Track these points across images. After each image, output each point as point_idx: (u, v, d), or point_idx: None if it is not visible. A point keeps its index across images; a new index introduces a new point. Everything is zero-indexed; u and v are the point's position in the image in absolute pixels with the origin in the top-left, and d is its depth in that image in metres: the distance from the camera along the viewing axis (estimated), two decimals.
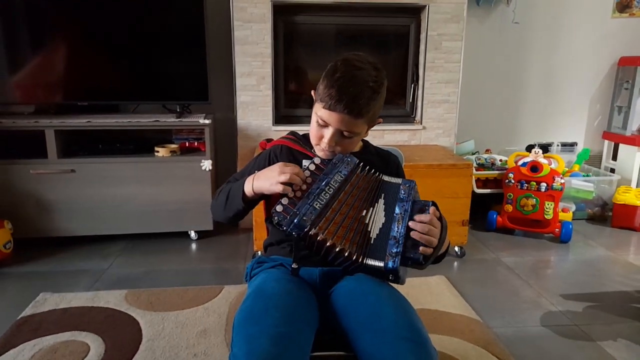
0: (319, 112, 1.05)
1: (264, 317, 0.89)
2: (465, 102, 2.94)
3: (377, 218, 1.00)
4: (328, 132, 1.06)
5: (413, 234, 0.96)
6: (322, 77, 1.06)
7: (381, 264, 0.95)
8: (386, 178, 1.07)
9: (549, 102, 3.24)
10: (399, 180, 1.06)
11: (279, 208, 0.97)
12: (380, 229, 0.99)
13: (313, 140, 1.11)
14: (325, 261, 1.01)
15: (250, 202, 1.09)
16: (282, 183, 0.98)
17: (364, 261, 0.96)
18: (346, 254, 0.96)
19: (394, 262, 0.94)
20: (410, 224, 0.97)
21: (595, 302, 1.96)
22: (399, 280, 0.96)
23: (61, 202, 2.37)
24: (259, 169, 1.08)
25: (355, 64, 1.05)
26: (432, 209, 1.00)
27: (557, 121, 3.27)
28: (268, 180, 1.01)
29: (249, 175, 1.08)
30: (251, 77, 2.58)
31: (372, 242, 0.98)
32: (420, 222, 0.97)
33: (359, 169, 1.05)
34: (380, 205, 1.02)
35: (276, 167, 1.02)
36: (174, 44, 2.51)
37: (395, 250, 0.95)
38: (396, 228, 0.97)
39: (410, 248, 0.96)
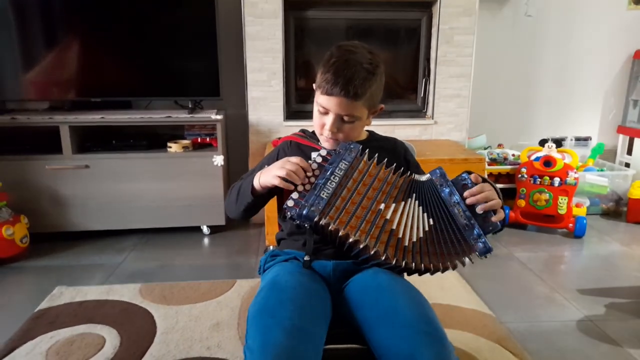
0: (318, 99, 1.08)
1: (278, 310, 0.89)
2: (477, 97, 2.92)
3: (413, 219, 0.99)
4: (329, 119, 1.07)
5: (479, 210, 0.98)
6: (320, 66, 1.09)
7: (472, 254, 0.97)
8: (417, 176, 1.06)
9: (562, 96, 3.20)
10: (427, 175, 1.05)
11: (290, 203, 0.98)
12: (431, 231, 0.99)
13: (316, 130, 1.13)
14: (347, 255, 1.01)
15: (260, 196, 1.10)
16: (281, 177, 0.98)
17: (445, 265, 0.98)
18: (372, 252, 0.95)
19: (484, 244, 0.96)
20: (468, 201, 0.98)
21: (610, 298, 1.94)
22: (489, 252, 0.97)
23: (76, 197, 2.40)
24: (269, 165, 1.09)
25: (349, 48, 1.08)
26: (472, 176, 1.00)
27: (571, 115, 3.24)
28: (270, 174, 1.02)
29: (260, 171, 1.09)
30: (262, 73, 2.58)
31: (439, 245, 0.98)
32: (474, 195, 0.98)
33: (365, 156, 1.04)
34: (414, 206, 1.01)
35: (279, 162, 1.03)
36: (185, 40, 2.52)
37: (476, 233, 0.96)
38: (461, 217, 0.98)
39: (484, 223, 0.97)
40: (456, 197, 0.99)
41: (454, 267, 0.99)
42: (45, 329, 1.63)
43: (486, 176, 2.71)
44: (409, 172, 1.06)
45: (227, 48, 2.63)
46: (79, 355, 1.48)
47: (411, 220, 0.99)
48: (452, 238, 0.98)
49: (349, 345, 1.01)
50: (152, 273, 2.13)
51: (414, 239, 0.98)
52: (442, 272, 1.00)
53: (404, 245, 0.97)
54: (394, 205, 1.00)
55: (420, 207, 1.01)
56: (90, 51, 2.49)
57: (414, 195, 1.02)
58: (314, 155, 1.05)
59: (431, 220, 1.00)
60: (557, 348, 1.60)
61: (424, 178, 1.05)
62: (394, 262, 0.96)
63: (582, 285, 2.04)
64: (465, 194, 0.99)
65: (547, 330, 1.71)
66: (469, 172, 1.01)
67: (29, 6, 2.38)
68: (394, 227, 0.98)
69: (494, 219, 0.97)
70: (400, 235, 0.97)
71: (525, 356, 1.50)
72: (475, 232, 0.96)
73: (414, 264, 0.96)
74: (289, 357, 0.80)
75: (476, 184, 1.00)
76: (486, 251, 0.96)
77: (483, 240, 0.96)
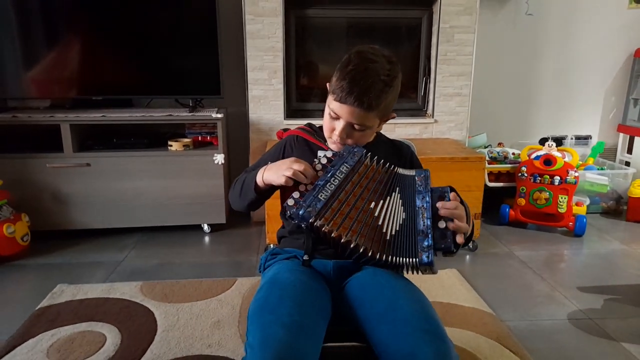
0: (331, 104, 1.06)
1: (278, 306, 0.90)
2: (478, 95, 2.92)
3: (393, 213, 1.00)
4: (339, 125, 1.06)
5: (441, 224, 0.97)
6: (336, 69, 1.06)
7: (415, 260, 0.95)
8: (400, 171, 1.06)
9: (563, 94, 3.20)
10: (412, 172, 1.06)
11: (290, 202, 0.99)
12: (402, 225, 0.99)
13: (326, 133, 1.12)
14: (343, 255, 1.01)
15: (263, 192, 1.10)
16: (287, 176, 0.99)
17: (391, 259, 0.97)
18: (361, 250, 0.96)
19: (428, 256, 0.94)
20: (441, 212, 0.98)
21: (610, 296, 1.94)
22: (433, 271, 0.96)
23: (77, 196, 2.40)
24: (273, 159, 1.10)
25: (368, 56, 1.04)
26: (452, 194, 1.00)
27: (571, 114, 3.23)
28: (276, 172, 1.02)
29: (264, 165, 1.09)
30: (263, 71, 2.58)
31: (394, 238, 0.98)
32: (444, 209, 0.97)
33: (367, 159, 1.05)
34: (396, 199, 1.02)
35: (287, 161, 1.03)
36: (186, 38, 2.52)
37: (426, 244, 0.95)
38: (422, 222, 0.97)
39: (440, 239, 0.96)
40: (426, 203, 0.99)
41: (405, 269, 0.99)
42: (46, 326, 1.63)
43: (486, 175, 2.71)
44: (392, 166, 1.06)
45: (228, 46, 2.63)
46: (80, 353, 1.49)
47: (393, 214, 1.00)
48: (407, 238, 0.98)
49: (348, 344, 1.01)
50: (153, 271, 2.14)
51: (393, 232, 0.98)
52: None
53: (386, 239, 0.98)
54: (382, 202, 1.01)
55: (400, 201, 1.02)
56: (91, 49, 2.49)
57: (397, 188, 1.03)
58: (320, 154, 1.05)
59: (404, 214, 1.00)
60: (557, 346, 1.60)
61: (407, 173, 1.06)
62: (382, 259, 0.96)
63: (582, 284, 2.05)
64: (439, 204, 0.98)
65: (547, 328, 1.71)
66: (452, 189, 1.01)
67: (30, 4, 2.38)
68: (380, 222, 0.99)
69: (455, 238, 0.96)
70: (384, 230, 0.98)
71: (525, 354, 1.50)
72: (426, 242, 0.95)
73: (394, 257, 0.97)
74: (288, 353, 0.81)
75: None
76: (427, 264, 0.94)
77: (429, 252, 0.94)
